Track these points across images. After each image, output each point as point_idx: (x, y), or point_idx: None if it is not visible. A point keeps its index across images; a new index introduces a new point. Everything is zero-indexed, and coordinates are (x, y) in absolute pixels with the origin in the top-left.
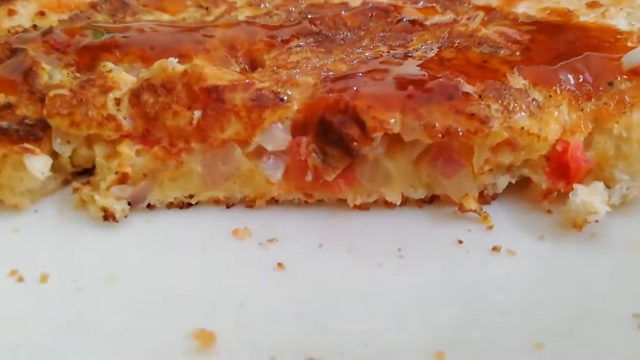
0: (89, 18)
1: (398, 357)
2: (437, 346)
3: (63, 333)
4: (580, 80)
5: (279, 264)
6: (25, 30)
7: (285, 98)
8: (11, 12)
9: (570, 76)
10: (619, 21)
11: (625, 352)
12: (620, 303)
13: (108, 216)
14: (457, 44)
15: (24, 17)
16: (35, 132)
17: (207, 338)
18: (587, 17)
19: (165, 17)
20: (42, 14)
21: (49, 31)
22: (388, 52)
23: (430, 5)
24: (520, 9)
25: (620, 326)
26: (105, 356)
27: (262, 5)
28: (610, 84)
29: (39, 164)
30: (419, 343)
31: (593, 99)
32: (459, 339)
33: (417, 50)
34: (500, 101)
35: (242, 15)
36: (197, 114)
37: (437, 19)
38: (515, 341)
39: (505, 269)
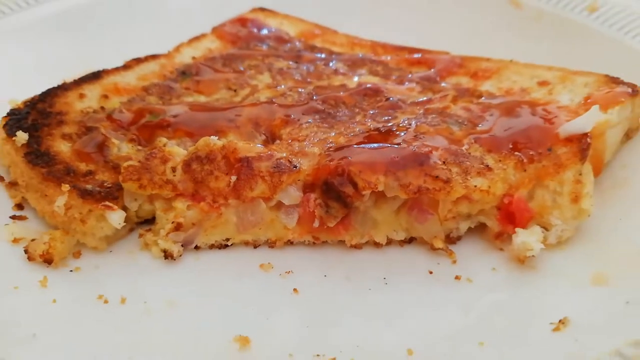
0: (143, 100)
1: (381, 353)
2: (409, 345)
3: (140, 339)
4: (526, 146)
5: (295, 289)
6: (95, 112)
7: (298, 166)
8: (82, 96)
9: (517, 144)
10: (562, 97)
11: (541, 349)
12: (544, 312)
13: (167, 256)
14: (430, 120)
15: (92, 99)
16: (113, 193)
17: (244, 341)
18: (537, 93)
19: (202, 98)
20: (105, 96)
21: (112, 112)
22: (376, 127)
23: (411, 86)
24: (485, 87)
25: (540, 329)
26: (172, 353)
27: (279, 87)
28: (550, 149)
29: (116, 217)
30: (396, 343)
31: (535, 162)
32: (426, 341)
33: (398, 125)
34: (459, 166)
35: (263, 96)
36: (233, 178)
37: (416, 98)
38: (466, 341)
39: (464, 293)
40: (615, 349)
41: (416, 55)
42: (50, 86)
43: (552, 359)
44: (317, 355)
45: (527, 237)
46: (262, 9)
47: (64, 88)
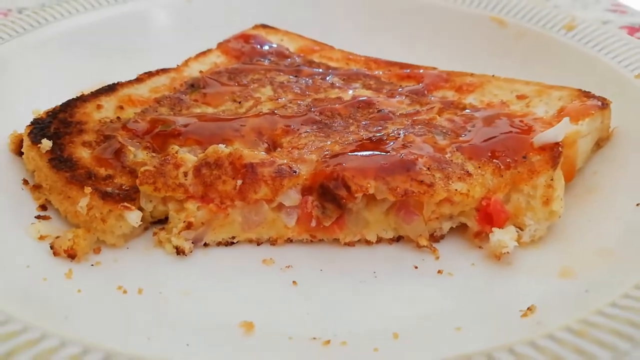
0: (156, 111)
1: (370, 337)
2: (395, 330)
3: (156, 323)
4: (503, 154)
5: (294, 282)
6: (112, 121)
7: (297, 171)
8: (99, 107)
9: (495, 152)
10: (538, 109)
11: (508, 332)
12: (515, 301)
13: (179, 252)
14: (417, 130)
15: (109, 110)
16: (131, 195)
17: (248, 326)
18: (516, 106)
19: (210, 109)
20: (121, 107)
21: (128, 122)
22: (368, 136)
23: (401, 99)
24: (468, 100)
25: (510, 316)
26: (184, 335)
27: (280, 99)
28: (525, 157)
29: (134, 216)
30: (384, 328)
31: (511, 169)
32: (410, 326)
33: (388, 135)
34: (442, 172)
35: (266, 107)
36: (239, 182)
37: (405, 110)
38: (445, 326)
39: (446, 285)
40: (565, 324)
41: (406, 71)
42: (70, 97)
43: (514, 338)
44: (314, 338)
45: (502, 236)
46: (264, 26)
47: (82, 99)
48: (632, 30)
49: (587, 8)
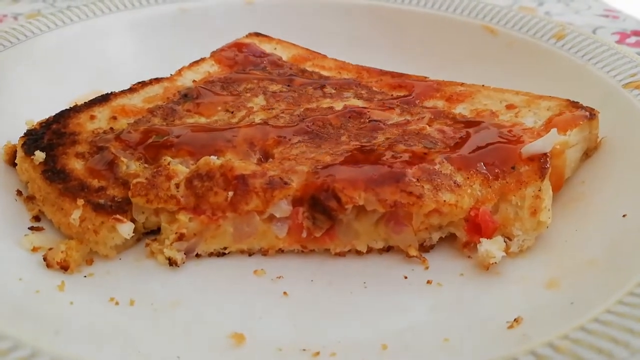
0: (149, 122)
1: (359, 348)
2: (384, 341)
3: (147, 335)
4: (491, 165)
5: (284, 292)
6: (105, 132)
7: (288, 182)
8: (92, 117)
9: (484, 163)
10: (527, 120)
11: (494, 344)
12: (502, 312)
13: (172, 263)
14: (407, 140)
15: (102, 120)
16: (123, 207)
17: (239, 338)
18: (504, 116)
19: (202, 119)
20: (114, 118)
21: (121, 133)
22: (359, 146)
23: (392, 108)
24: (458, 110)
25: (497, 327)
26: (176, 348)
27: (272, 109)
28: (513, 168)
29: (126, 228)
30: (373, 339)
31: (499, 179)
32: (399, 337)
33: (379, 145)
34: (431, 183)
35: (258, 117)
36: (230, 193)
37: (395, 119)
38: (434, 337)
39: (435, 295)
40: (548, 340)
41: (397, 80)
42: (63, 108)
43: (499, 352)
44: (303, 350)
45: (490, 246)
46: (257, 34)
47: (75, 110)
48: (623, 36)
49: (579, 14)
